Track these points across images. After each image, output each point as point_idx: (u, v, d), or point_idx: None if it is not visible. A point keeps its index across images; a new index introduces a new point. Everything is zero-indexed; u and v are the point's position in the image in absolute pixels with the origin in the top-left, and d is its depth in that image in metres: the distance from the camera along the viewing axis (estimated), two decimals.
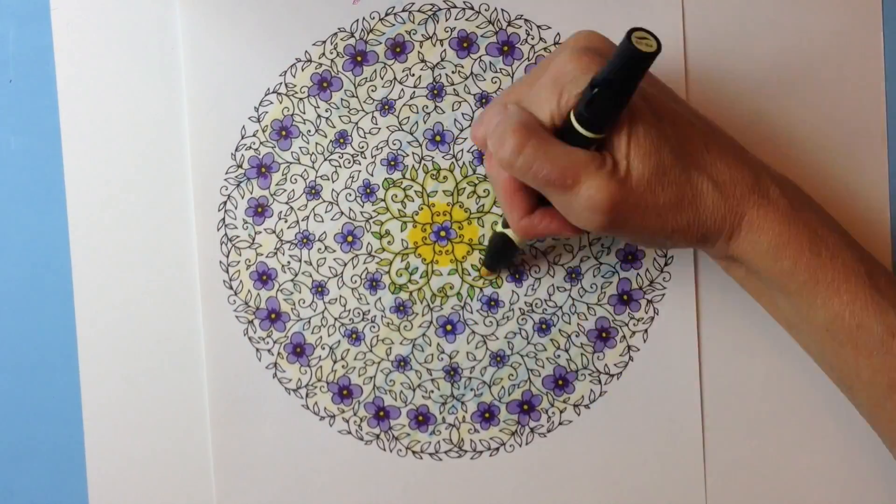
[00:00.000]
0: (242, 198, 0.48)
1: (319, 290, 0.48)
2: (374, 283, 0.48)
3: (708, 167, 0.39)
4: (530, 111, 0.39)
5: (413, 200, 0.48)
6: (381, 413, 0.48)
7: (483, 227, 0.48)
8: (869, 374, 0.39)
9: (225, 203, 0.48)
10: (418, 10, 0.48)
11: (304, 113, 0.48)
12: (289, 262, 0.48)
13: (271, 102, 0.48)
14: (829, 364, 0.41)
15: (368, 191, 0.48)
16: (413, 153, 0.48)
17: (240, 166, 0.48)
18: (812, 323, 0.40)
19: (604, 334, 0.48)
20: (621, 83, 0.36)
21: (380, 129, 0.48)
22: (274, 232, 0.48)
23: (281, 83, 0.48)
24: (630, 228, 0.39)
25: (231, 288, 0.48)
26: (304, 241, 0.48)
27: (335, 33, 0.48)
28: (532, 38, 0.48)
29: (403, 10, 0.48)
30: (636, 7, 0.47)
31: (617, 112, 0.37)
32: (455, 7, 0.48)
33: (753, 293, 0.43)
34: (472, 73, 0.48)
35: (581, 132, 0.38)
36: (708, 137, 0.40)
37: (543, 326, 0.48)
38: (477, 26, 0.48)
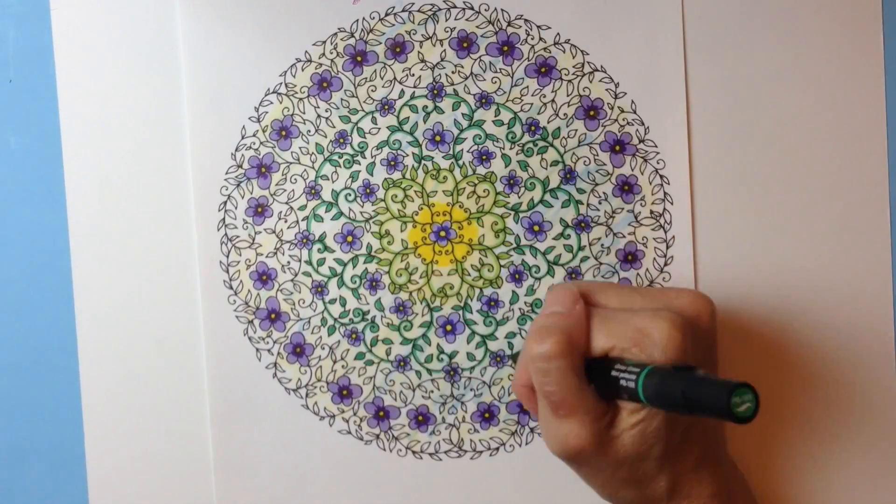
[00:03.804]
0: (242, 198, 0.48)
1: (319, 290, 0.48)
2: (374, 283, 0.48)
3: (680, 475, 0.39)
4: (594, 324, 0.39)
5: (413, 200, 0.48)
6: (381, 413, 0.48)
7: (483, 227, 0.48)
8: None
9: (225, 203, 0.48)
10: (418, 10, 0.48)
11: (304, 113, 0.48)
12: (289, 262, 0.48)
13: (271, 102, 0.48)
14: None
15: (368, 191, 0.48)
16: (413, 153, 0.48)
17: (240, 166, 0.48)
18: None
19: None
20: (690, 409, 0.34)
21: (380, 129, 0.48)
22: (274, 232, 0.48)
23: (281, 83, 0.48)
24: (580, 473, 0.41)
25: (231, 288, 0.48)
26: (304, 241, 0.48)
27: (335, 33, 0.48)
28: (532, 38, 0.48)
29: (403, 10, 0.48)
30: (636, 7, 0.47)
31: (659, 407, 0.36)
32: (455, 7, 0.48)
33: None
34: (472, 73, 0.48)
35: (616, 386, 0.37)
36: (704, 454, 0.40)
37: None
38: (477, 26, 0.48)
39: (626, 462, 0.39)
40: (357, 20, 0.48)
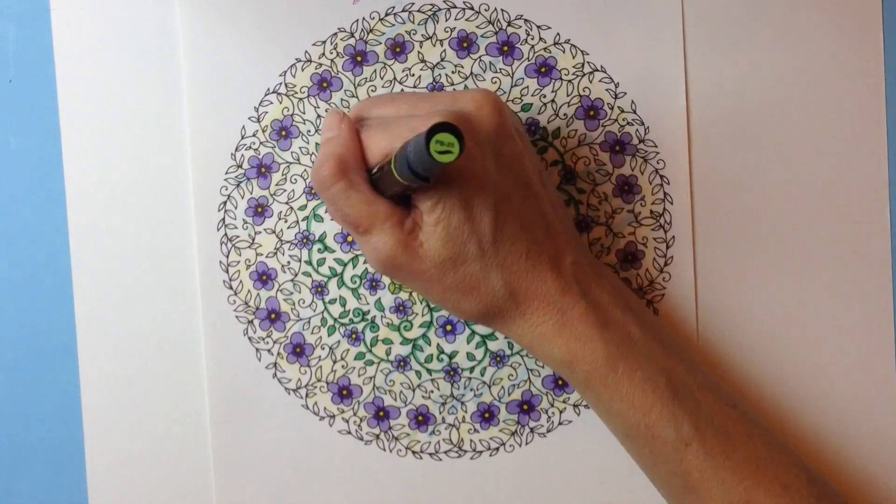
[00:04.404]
0: (242, 198, 0.48)
1: (319, 290, 0.48)
2: (374, 283, 0.48)
3: (514, 273, 0.40)
4: (368, 136, 0.39)
5: None
6: (381, 413, 0.48)
7: None
8: (666, 477, 0.41)
9: (225, 203, 0.48)
10: (418, 10, 0.48)
11: (304, 113, 0.48)
12: (289, 262, 0.48)
13: (271, 102, 0.48)
14: (634, 460, 0.43)
15: None
16: None
17: (240, 166, 0.48)
18: (613, 428, 0.42)
19: None
20: (408, 166, 0.35)
21: None
22: (274, 232, 0.48)
23: (281, 83, 0.48)
24: (411, 286, 0.41)
25: (231, 288, 0.48)
26: (304, 241, 0.48)
27: (335, 33, 0.48)
28: (532, 38, 0.48)
29: (403, 10, 0.48)
30: (636, 7, 0.47)
31: (404, 178, 0.36)
32: (455, 7, 0.48)
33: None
34: (472, 73, 0.48)
35: (396, 178, 0.37)
36: (535, 245, 0.40)
37: None
38: (477, 26, 0.48)
39: (445, 265, 0.39)
40: (357, 20, 0.48)
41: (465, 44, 0.48)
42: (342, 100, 0.48)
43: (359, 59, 0.48)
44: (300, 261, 0.48)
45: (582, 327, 0.40)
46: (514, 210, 0.39)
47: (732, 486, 0.40)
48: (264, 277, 0.48)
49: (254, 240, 0.48)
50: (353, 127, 0.40)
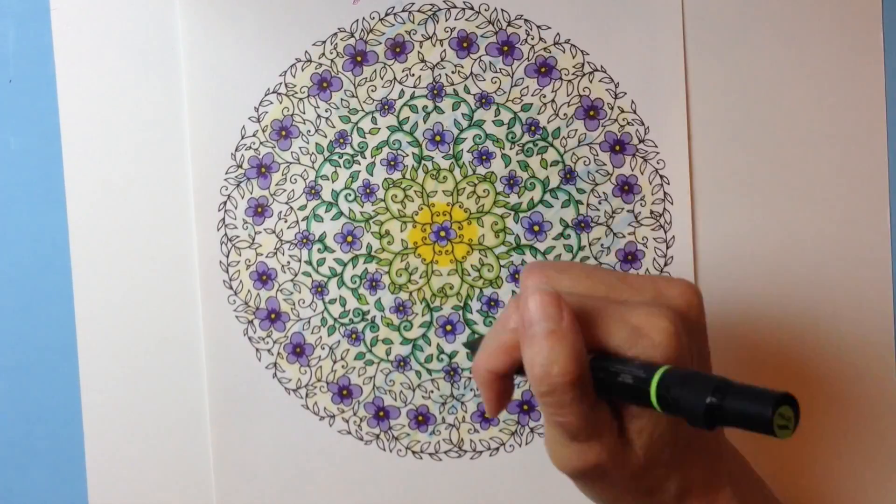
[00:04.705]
0: (242, 198, 0.48)
1: (319, 290, 0.48)
2: (373, 283, 0.48)
3: (691, 481, 0.37)
4: (591, 322, 0.35)
5: (413, 200, 0.48)
6: (381, 413, 0.48)
7: (483, 227, 0.48)
8: None
9: (225, 203, 0.48)
10: (418, 10, 0.48)
11: (304, 113, 0.48)
12: (289, 262, 0.48)
13: (271, 102, 0.48)
14: None
15: (368, 191, 0.48)
16: (413, 153, 0.48)
17: (240, 166, 0.48)
18: None
19: None
20: (718, 420, 0.31)
21: (380, 129, 0.48)
22: (274, 232, 0.48)
23: (281, 83, 0.48)
24: (592, 490, 0.37)
25: (231, 288, 0.48)
26: (304, 241, 0.48)
27: (335, 33, 0.48)
28: (532, 38, 0.48)
29: (403, 10, 0.48)
30: (636, 7, 0.47)
31: (676, 415, 0.32)
32: (455, 7, 0.48)
33: None
34: (472, 73, 0.48)
35: (621, 391, 0.33)
36: (709, 469, 0.38)
37: None
38: (477, 26, 0.48)
39: (640, 472, 0.36)
40: (357, 20, 0.48)
41: (465, 44, 0.48)
42: (342, 100, 0.48)
43: (359, 59, 0.48)
44: (300, 261, 0.48)
45: None
46: (700, 434, 0.37)
47: None
48: (264, 277, 0.48)
49: (254, 240, 0.48)
50: (575, 317, 0.34)
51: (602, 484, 0.36)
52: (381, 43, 0.48)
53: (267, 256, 0.48)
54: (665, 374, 0.32)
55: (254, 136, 0.48)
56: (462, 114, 0.48)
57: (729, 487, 0.38)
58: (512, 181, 0.48)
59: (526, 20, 0.48)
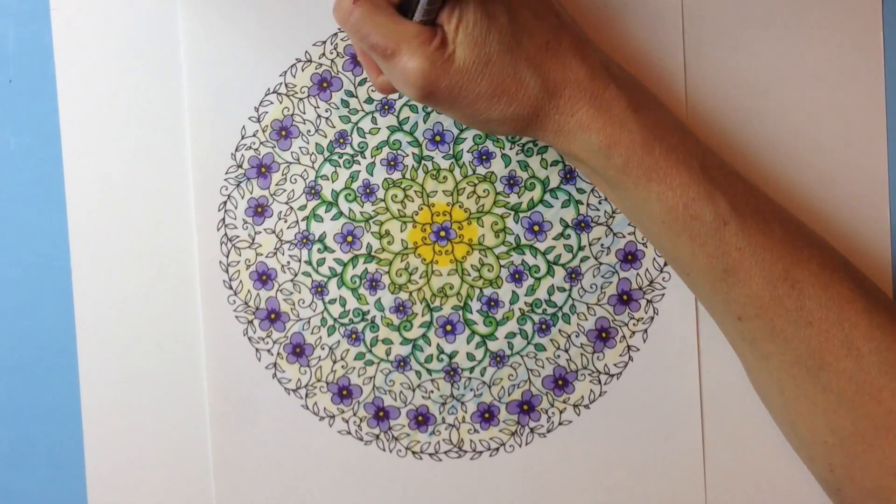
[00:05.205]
0: (242, 198, 0.48)
1: (319, 290, 0.48)
2: (373, 283, 0.48)
3: (541, 64, 0.40)
4: None
5: (413, 200, 0.48)
6: (381, 413, 0.48)
7: (483, 227, 0.48)
8: (704, 261, 0.41)
9: (225, 203, 0.48)
10: None
11: (304, 113, 0.48)
12: (289, 262, 0.48)
13: (271, 102, 0.48)
14: (669, 254, 0.43)
15: (368, 191, 0.48)
16: (413, 153, 0.48)
17: (240, 166, 0.48)
18: (650, 216, 0.41)
19: (603, 334, 0.48)
20: None
21: (380, 129, 0.48)
22: (274, 232, 0.48)
23: (281, 83, 0.48)
24: (446, 107, 0.41)
25: (231, 288, 0.48)
26: (304, 241, 0.48)
27: (335, 33, 0.48)
28: None
29: None
30: (636, 6, 0.47)
31: None
32: None
33: (599, 188, 0.44)
34: None
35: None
36: (552, 34, 0.41)
37: (543, 326, 0.48)
38: None
39: (473, 71, 0.39)
40: None
41: None
42: (342, 100, 0.48)
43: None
44: (300, 261, 0.48)
45: (617, 110, 0.40)
46: (526, 3, 0.40)
47: (771, 264, 0.40)
48: (264, 277, 0.48)
49: (254, 240, 0.48)
50: None
51: (449, 97, 0.40)
52: None
53: (267, 256, 0.48)
54: None
55: (254, 136, 0.48)
56: None
57: (614, 85, 0.40)
58: (512, 181, 0.48)
59: None
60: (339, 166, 0.48)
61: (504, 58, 0.39)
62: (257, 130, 0.48)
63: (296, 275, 0.48)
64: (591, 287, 0.48)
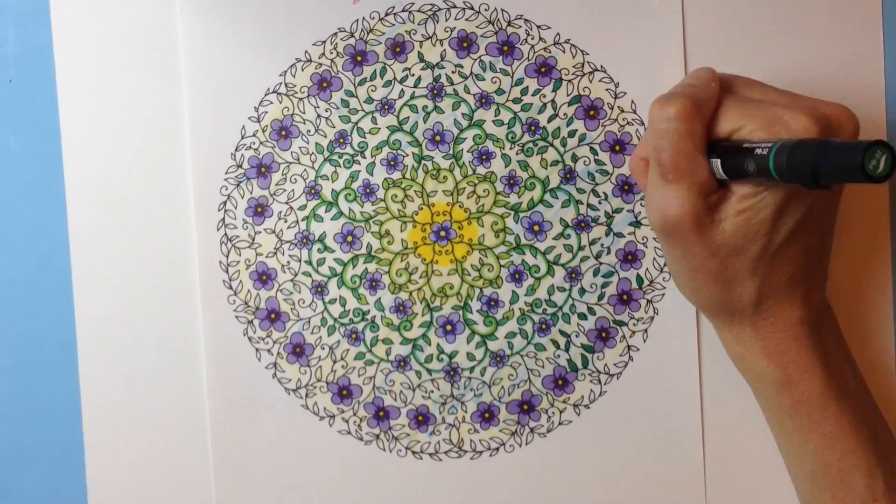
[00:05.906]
0: (242, 198, 0.48)
1: (319, 290, 0.48)
2: (373, 283, 0.48)
3: (772, 287, 0.39)
4: (729, 107, 0.38)
5: (413, 200, 0.48)
6: (381, 413, 0.48)
7: (483, 226, 0.48)
8: None
9: (225, 203, 0.48)
10: (418, 10, 0.48)
11: (304, 113, 0.48)
12: (288, 262, 0.48)
13: (271, 102, 0.48)
14: (803, 496, 0.42)
15: (368, 191, 0.48)
16: (413, 153, 0.48)
17: (240, 166, 0.48)
18: (799, 461, 0.41)
19: (603, 334, 0.48)
20: (822, 172, 0.33)
21: (380, 129, 0.48)
22: (274, 232, 0.48)
23: (281, 83, 0.48)
24: (668, 250, 0.40)
25: (231, 288, 0.48)
26: (304, 241, 0.48)
27: (335, 33, 0.48)
28: (532, 38, 0.48)
29: (403, 10, 0.48)
30: (636, 7, 0.47)
31: (787, 179, 0.35)
32: (455, 7, 0.48)
33: (760, 406, 0.43)
34: (472, 72, 0.48)
35: (742, 157, 0.36)
36: (802, 267, 0.39)
37: (543, 326, 0.48)
38: (477, 26, 0.48)
39: (722, 251, 0.38)
40: (357, 20, 0.48)
41: (465, 43, 0.48)
42: (342, 100, 0.48)
43: (359, 58, 0.48)
44: (300, 261, 0.48)
45: (807, 357, 0.39)
46: (810, 231, 0.39)
47: None
48: (264, 277, 0.48)
49: (254, 240, 0.48)
50: (718, 90, 0.39)
51: (680, 247, 0.38)
52: (381, 43, 0.48)
53: (267, 256, 0.48)
54: (783, 142, 0.35)
55: (254, 135, 0.48)
56: (462, 113, 0.48)
57: (814, 332, 0.39)
58: (512, 181, 0.48)
59: (526, 20, 0.48)
60: (339, 166, 0.48)
61: (751, 261, 0.38)
62: (257, 130, 0.48)
63: (296, 275, 0.48)
64: (592, 287, 0.48)
